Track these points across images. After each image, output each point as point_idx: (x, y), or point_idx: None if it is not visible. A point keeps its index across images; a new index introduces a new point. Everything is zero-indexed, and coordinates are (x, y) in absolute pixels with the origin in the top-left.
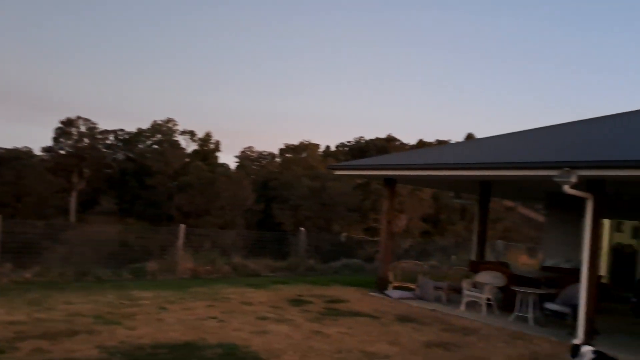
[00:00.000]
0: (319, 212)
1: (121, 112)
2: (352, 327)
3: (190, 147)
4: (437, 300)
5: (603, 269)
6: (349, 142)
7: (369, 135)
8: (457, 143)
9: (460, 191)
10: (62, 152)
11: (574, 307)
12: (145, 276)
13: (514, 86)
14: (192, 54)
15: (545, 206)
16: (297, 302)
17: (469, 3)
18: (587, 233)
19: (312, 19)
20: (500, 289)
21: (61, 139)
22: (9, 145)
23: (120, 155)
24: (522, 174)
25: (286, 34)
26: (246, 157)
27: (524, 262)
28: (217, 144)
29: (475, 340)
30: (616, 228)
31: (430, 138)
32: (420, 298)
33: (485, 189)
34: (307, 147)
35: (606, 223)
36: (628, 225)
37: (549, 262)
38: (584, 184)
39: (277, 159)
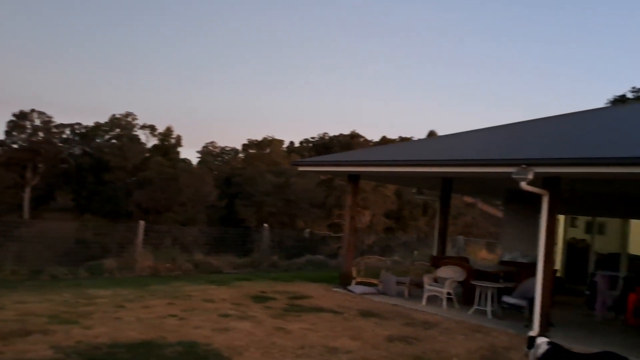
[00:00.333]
0: (282, 208)
1: (78, 106)
2: (315, 322)
3: (150, 142)
4: (400, 295)
5: (558, 264)
6: (313, 138)
7: (333, 132)
8: (420, 140)
9: (423, 187)
10: (15, 146)
11: (530, 301)
12: (103, 274)
13: (475, 84)
14: (153, 48)
15: (504, 202)
16: (260, 298)
17: (434, 2)
18: (542, 228)
19: (277, 16)
20: (461, 283)
21: (14, 133)
22: None
23: (77, 150)
24: (481, 171)
25: (250, 30)
26: (208, 153)
27: (483, 257)
28: (179, 139)
29: (436, 333)
30: (571, 223)
31: (393, 135)
32: (382, 293)
33: (447, 186)
34: (270, 143)
35: (561, 219)
36: (582, 220)
37: (507, 257)
38: (540, 180)
39: (240, 155)
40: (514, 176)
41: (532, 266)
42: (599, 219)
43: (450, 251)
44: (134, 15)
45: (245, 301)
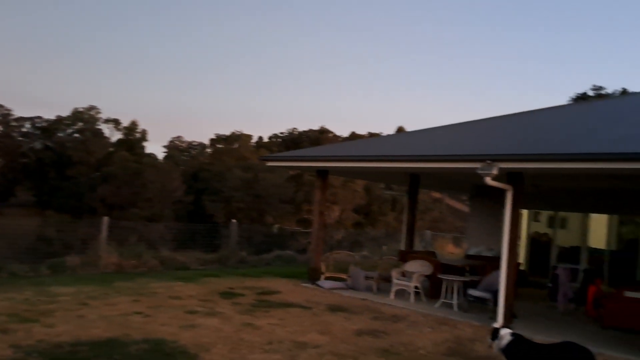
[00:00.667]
0: (251, 203)
1: (39, 99)
2: (283, 318)
3: (114, 136)
4: (368, 289)
5: (521, 257)
6: (282, 133)
7: (302, 127)
8: (388, 136)
9: (391, 183)
10: None
11: (495, 293)
12: (65, 271)
13: (444, 80)
14: (118, 42)
15: (470, 197)
16: (228, 294)
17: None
18: (506, 223)
19: (245, 11)
20: (428, 277)
21: None
22: None
23: (37, 144)
24: (447, 166)
25: (217, 25)
26: (175, 148)
27: (450, 251)
28: (144, 133)
29: (404, 327)
30: (534, 218)
31: (362, 131)
32: (351, 288)
33: (414, 181)
34: (239, 138)
35: (525, 213)
36: (544, 215)
37: (473, 251)
38: (504, 176)
39: (208, 150)
40: (479, 171)
41: (497, 260)
42: (561, 214)
43: (418, 246)
44: (97, 6)
45: (212, 297)
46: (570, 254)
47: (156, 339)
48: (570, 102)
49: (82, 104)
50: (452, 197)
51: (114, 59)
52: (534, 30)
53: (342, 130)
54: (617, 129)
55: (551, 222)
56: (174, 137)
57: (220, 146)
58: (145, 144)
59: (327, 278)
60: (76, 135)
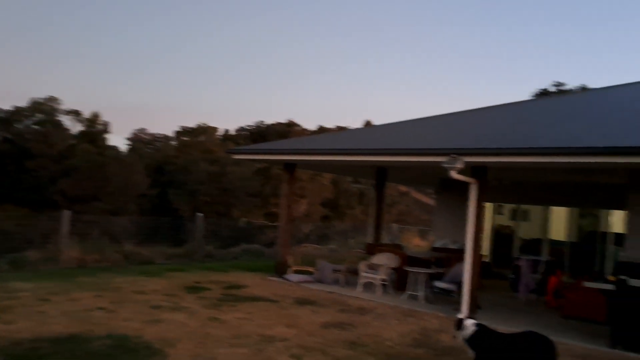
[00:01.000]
0: (218, 197)
1: None
2: (250, 312)
3: (76, 128)
4: (336, 282)
5: (485, 249)
6: (249, 126)
7: (269, 120)
8: (356, 129)
9: (359, 176)
10: None
11: (460, 285)
12: (26, 267)
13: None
14: (77, 31)
15: (436, 191)
16: (193, 289)
17: None
18: (471, 216)
19: (212, 3)
20: (395, 269)
21: None
22: None
23: None
24: (413, 160)
25: (182, 17)
26: (139, 140)
27: (416, 243)
28: (106, 125)
29: (371, 319)
30: (497, 211)
31: (330, 124)
32: (319, 281)
33: (381, 175)
34: (205, 131)
35: (488, 206)
36: (507, 208)
37: (438, 243)
38: (469, 170)
39: (173, 142)
40: (444, 165)
41: (462, 252)
42: (523, 207)
43: (385, 239)
44: None
45: (178, 292)
46: (532, 245)
47: (120, 334)
48: (533, 98)
49: (40, 94)
50: (419, 191)
51: (73, 48)
52: (496, 25)
53: (309, 123)
54: (576, 124)
55: (514, 215)
56: (138, 130)
57: (185, 139)
58: (107, 136)
59: (294, 271)
60: (36, 126)
